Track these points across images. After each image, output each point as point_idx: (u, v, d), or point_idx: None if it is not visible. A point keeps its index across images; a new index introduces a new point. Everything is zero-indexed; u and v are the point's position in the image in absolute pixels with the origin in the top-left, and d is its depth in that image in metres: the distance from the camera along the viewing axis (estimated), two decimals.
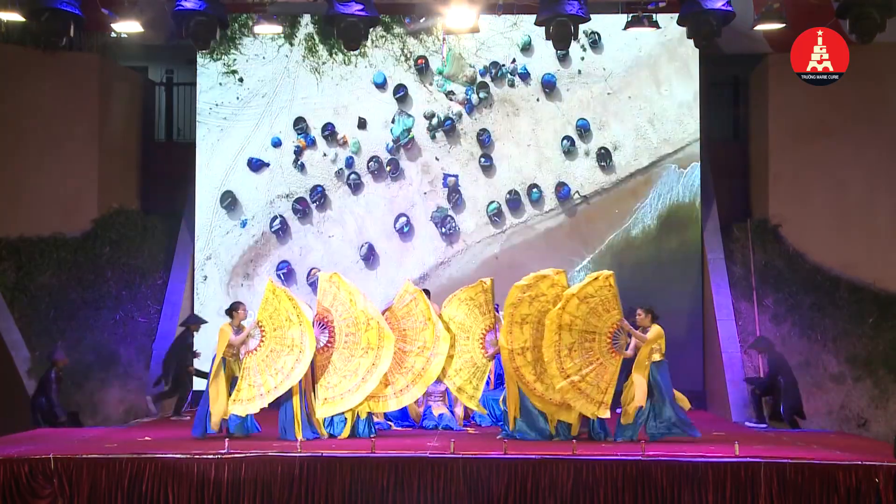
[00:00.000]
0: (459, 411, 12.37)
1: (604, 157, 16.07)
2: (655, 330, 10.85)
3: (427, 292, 13.36)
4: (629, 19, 14.17)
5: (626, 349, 10.84)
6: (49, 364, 13.23)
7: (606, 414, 10.72)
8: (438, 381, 12.34)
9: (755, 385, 13.66)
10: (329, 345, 11.06)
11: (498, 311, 13.47)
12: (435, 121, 16.12)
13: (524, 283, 11.04)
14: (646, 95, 16.08)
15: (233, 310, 11.42)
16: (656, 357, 10.79)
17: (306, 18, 16.13)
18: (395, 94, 16.13)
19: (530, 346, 10.90)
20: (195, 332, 13.74)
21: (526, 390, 10.92)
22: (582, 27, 12.77)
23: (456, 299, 11.55)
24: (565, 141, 16.08)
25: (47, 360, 13.50)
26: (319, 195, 16.09)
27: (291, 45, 16.18)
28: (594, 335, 10.70)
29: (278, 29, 14.60)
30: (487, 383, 12.77)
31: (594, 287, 10.72)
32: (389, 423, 12.27)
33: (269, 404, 10.84)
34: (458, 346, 11.44)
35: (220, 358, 11.12)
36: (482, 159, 16.12)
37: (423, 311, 11.31)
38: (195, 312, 14.87)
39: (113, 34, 14.70)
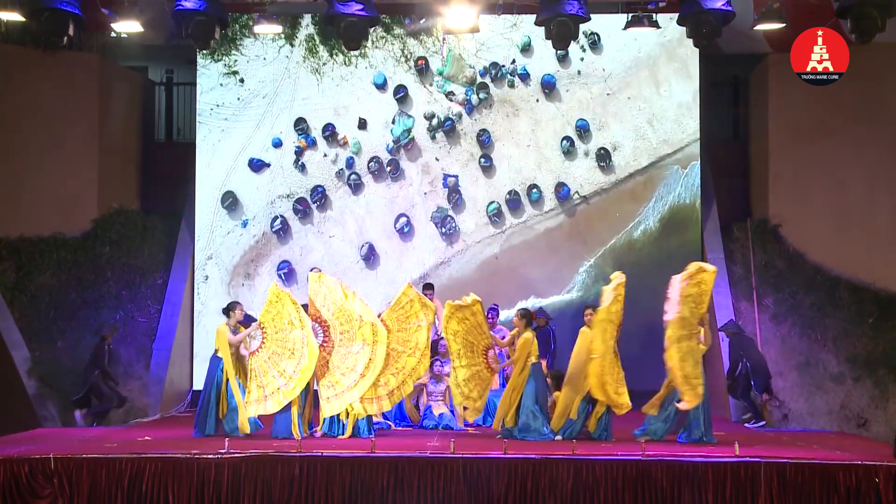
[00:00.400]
0: (460, 410, 12.38)
1: (603, 157, 16.07)
2: None
3: (430, 286, 13.37)
4: (629, 19, 14.17)
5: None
6: (98, 339, 13.49)
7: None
8: (439, 381, 12.37)
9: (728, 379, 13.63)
10: (325, 344, 11.07)
11: (496, 312, 13.56)
12: (435, 121, 16.12)
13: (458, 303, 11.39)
14: (645, 96, 16.08)
15: (230, 309, 11.44)
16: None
17: (307, 19, 16.14)
18: (395, 95, 16.13)
19: None
20: (109, 341, 13.65)
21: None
22: (582, 27, 12.75)
23: (454, 319, 11.44)
24: (565, 141, 16.08)
25: (96, 335, 13.76)
26: (320, 195, 16.09)
27: (292, 45, 16.19)
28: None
29: (278, 29, 14.61)
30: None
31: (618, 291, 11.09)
32: (389, 423, 12.28)
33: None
34: (466, 359, 11.43)
35: (227, 359, 11.18)
36: (482, 160, 16.12)
37: (416, 314, 11.29)
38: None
39: (113, 34, 14.70)
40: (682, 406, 10.74)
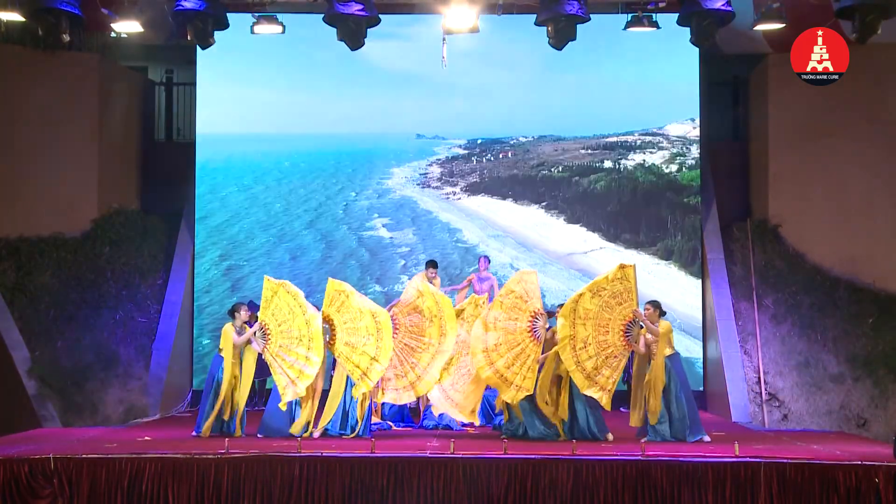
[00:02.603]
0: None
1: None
2: (665, 325, 10.93)
3: (434, 263, 13.39)
4: (629, 19, 14.18)
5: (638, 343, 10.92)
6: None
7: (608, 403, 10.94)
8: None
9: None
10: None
11: (487, 261, 14.16)
12: None
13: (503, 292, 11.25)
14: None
15: (234, 311, 11.46)
16: (668, 351, 10.87)
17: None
18: None
19: (503, 341, 11.07)
20: None
21: (501, 385, 11.01)
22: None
23: (497, 303, 11.41)
24: None
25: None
26: None
27: None
28: (607, 328, 10.88)
29: (279, 29, 14.61)
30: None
31: (606, 280, 10.93)
32: (390, 423, 12.29)
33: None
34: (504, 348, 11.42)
35: (228, 360, 11.24)
36: None
37: (429, 308, 11.37)
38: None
39: (113, 34, 14.68)
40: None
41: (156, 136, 17.64)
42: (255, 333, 11.24)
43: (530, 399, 11.03)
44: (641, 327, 10.90)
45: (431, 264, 13.70)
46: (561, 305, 11.22)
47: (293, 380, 10.96)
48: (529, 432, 11.07)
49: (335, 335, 11.17)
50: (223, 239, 16.17)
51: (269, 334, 11.16)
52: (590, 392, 10.84)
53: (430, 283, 13.40)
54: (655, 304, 11.02)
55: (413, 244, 15.95)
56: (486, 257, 14.30)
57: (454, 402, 11.65)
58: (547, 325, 11.13)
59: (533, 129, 16.48)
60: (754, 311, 15.12)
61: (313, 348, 10.96)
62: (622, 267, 11.01)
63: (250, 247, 16.17)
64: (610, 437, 11.04)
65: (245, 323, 11.42)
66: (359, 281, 15.46)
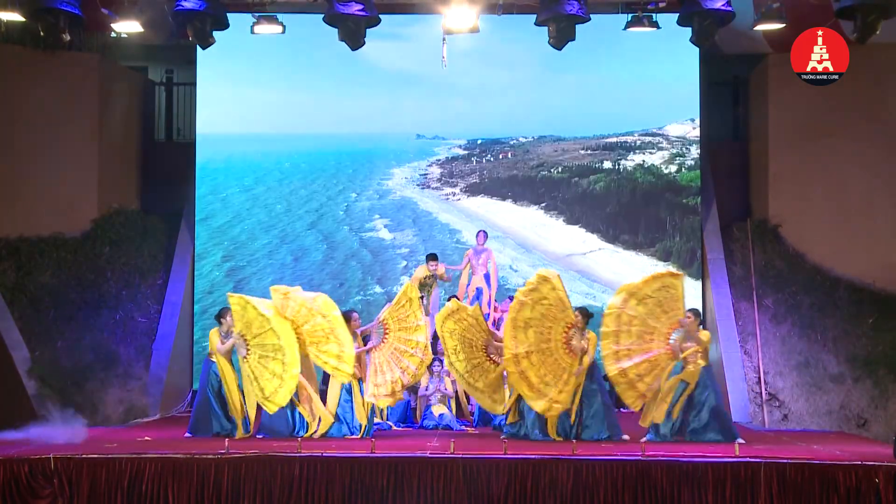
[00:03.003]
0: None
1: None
2: (706, 334, 11.02)
3: (434, 256, 13.60)
4: (629, 19, 14.18)
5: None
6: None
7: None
8: (440, 379, 12.39)
9: None
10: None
11: (485, 235, 14.37)
12: None
13: (526, 288, 11.03)
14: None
15: (220, 316, 11.51)
16: (702, 361, 10.90)
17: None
18: None
19: (535, 350, 10.92)
20: None
21: (529, 393, 10.90)
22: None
23: (451, 319, 11.41)
24: None
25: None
26: None
27: None
28: (652, 335, 10.92)
29: (279, 29, 14.61)
30: None
31: (651, 288, 10.93)
32: (390, 423, 12.29)
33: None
34: (463, 353, 11.45)
35: (220, 362, 11.23)
36: None
37: (415, 314, 11.39)
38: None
39: (113, 34, 14.68)
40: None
41: (156, 136, 17.63)
42: (235, 343, 11.19)
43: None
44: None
45: (432, 257, 13.75)
46: (580, 309, 11.18)
47: (267, 397, 10.85)
48: (531, 436, 11.03)
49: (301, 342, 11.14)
50: (225, 240, 16.17)
51: (248, 345, 11.01)
52: (630, 400, 10.92)
53: (434, 275, 13.53)
54: (696, 313, 11.08)
55: (414, 245, 15.95)
56: (484, 231, 14.46)
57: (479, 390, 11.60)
58: (582, 336, 11.02)
59: (533, 130, 16.48)
60: (754, 311, 15.12)
61: (287, 364, 10.80)
62: (672, 275, 11.00)
63: (252, 248, 16.17)
64: (626, 437, 11.02)
65: (231, 328, 11.38)
66: (360, 282, 15.47)
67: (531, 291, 10.94)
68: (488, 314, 13.68)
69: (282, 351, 10.81)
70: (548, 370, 10.85)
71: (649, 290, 10.92)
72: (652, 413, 10.95)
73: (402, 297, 11.44)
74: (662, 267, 15.83)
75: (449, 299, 13.59)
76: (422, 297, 13.46)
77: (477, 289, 14.05)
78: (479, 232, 14.45)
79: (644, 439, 10.73)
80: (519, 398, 11.08)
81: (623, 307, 10.90)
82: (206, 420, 11.40)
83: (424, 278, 13.78)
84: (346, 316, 11.25)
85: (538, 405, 10.84)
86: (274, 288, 11.34)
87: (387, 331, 11.43)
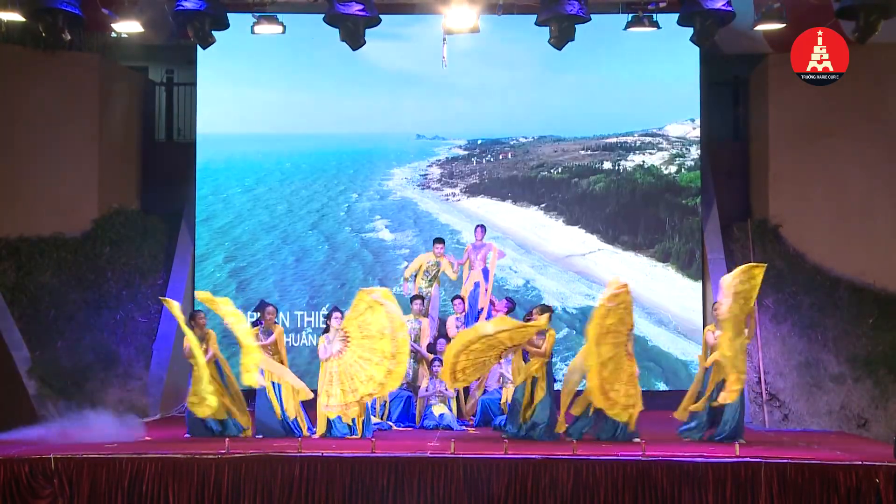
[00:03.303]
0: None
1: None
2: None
3: (441, 240, 13.62)
4: (629, 19, 14.18)
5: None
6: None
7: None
8: (440, 380, 12.37)
9: None
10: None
11: (483, 230, 14.28)
12: None
13: (610, 294, 10.88)
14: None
15: (191, 318, 11.67)
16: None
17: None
18: None
19: (612, 356, 10.91)
20: None
21: (605, 402, 10.84)
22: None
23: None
24: None
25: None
26: None
27: None
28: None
29: (279, 29, 14.61)
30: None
31: (739, 283, 10.95)
32: (390, 423, 12.29)
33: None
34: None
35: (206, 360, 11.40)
36: None
37: (378, 321, 11.10)
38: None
39: (113, 34, 14.67)
40: (722, 398, 10.82)
41: (156, 136, 17.63)
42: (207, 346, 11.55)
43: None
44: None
45: (439, 241, 13.74)
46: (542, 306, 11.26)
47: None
48: (601, 435, 11.08)
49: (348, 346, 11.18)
50: (227, 240, 16.15)
51: (210, 347, 11.41)
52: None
53: (438, 259, 13.55)
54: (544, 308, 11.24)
55: (414, 246, 15.95)
56: (482, 226, 14.36)
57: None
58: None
59: (533, 130, 16.47)
60: (754, 311, 15.10)
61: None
62: (752, 267, 10.98)
63: (254, 248, 16.15)
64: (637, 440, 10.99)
65: (206, 329, 11.69)
66: (362, 283, 15.45)
67: (614, 297, 10.84)
68: (482, 309, 13.68)
69: (394, 360, 10.93)
70: (616, 377, 10.81)
71: (738, 284, 10.95)
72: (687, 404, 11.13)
73: (359, 304, 11.18)
74: (662, 268, 15.85)
75: (452, 300, 13.63)
76: (422, 298, 13.46)
77: (475, 283, 14.04)
78: (477, 227, 14.36)
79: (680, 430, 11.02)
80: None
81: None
82: (203, 421, 11.41)
83: (428, 266, 13.77)
84: (260, 307, 11.69)
85: (613, 411, 10.81)
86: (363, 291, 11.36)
87: (348, 339, 11.21)
